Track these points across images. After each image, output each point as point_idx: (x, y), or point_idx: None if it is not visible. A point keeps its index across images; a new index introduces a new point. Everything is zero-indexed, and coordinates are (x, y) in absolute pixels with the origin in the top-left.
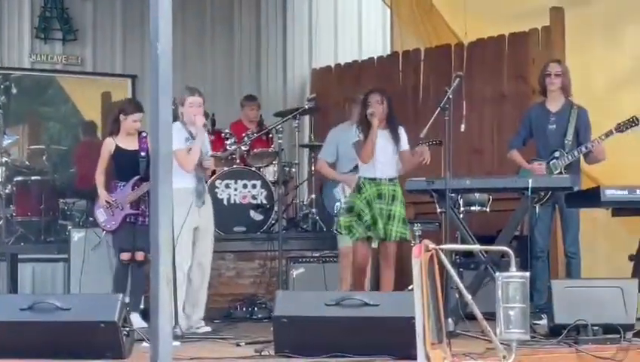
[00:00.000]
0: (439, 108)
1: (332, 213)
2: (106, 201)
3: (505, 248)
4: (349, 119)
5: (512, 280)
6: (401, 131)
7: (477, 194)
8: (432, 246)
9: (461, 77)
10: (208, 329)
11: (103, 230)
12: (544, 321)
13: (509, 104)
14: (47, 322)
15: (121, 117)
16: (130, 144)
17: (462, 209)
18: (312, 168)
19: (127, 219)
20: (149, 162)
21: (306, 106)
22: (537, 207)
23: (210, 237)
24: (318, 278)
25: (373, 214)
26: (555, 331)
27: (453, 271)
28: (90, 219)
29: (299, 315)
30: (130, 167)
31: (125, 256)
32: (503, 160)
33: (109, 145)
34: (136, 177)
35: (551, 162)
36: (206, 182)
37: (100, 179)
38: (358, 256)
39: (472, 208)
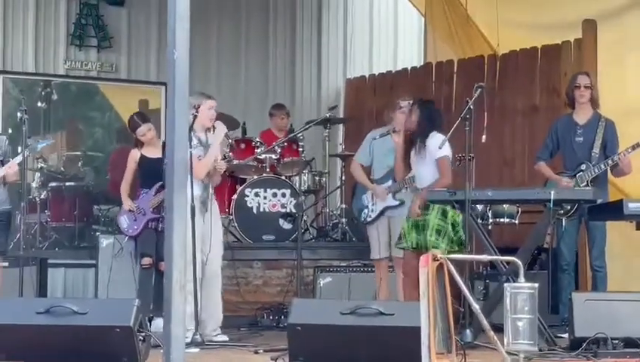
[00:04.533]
0: (460, 119)
1: (358, 219)
2: (130, 207)
3: (512, 258)
4: (388, 124)
5: (521, 291)
6: (433, 140)
7: (505, 206)
8: (440, 255)
9: (482, 87)
10: (225, 338)
11: (126, 236)
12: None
13: (541, 116)
14: (63, 326)
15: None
16: (154, 152)
17: (490, 220)
18: (343, 178)
19: (150, 225)
20: None
21: (327, 115)
22: (564, 220)
23: (218, 244)
24: (346, 288)
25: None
26: (575, 344)
27: (461, 282)
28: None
29: (313, 323)
30: (154, 174)
31: (146, 260)
32: (534, 172)
33: (134, 156)
34: (159, 183)
35: (577, 175)
36: (213, 189)
37: (124, 188)
38: (404, 265)
39: (501, 220)
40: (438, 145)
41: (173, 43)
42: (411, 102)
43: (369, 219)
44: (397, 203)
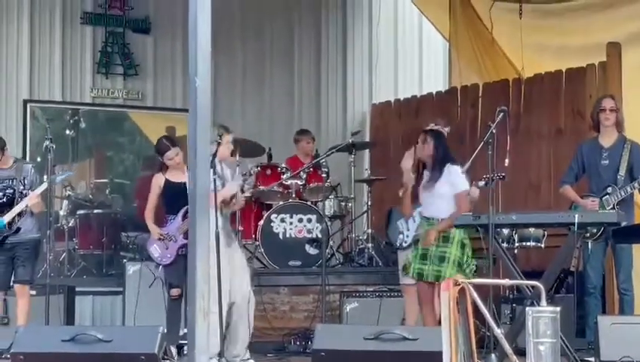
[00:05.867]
0: (482, 143)
1: (395, 246)
2: (159, 235)
3: (535, 283)
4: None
5: (543, 315)
6: (450, 171)
7: (532, 230)
8: (461, 280)
9: (505, 111)
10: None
11: (159, 265)
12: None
13: (566, 140)
14: (88, 354)
15: (160, 157)
16: (179, 176)
17: (516, 244)
18: (369, 203)
19: (180, 251)
20: None
21: (350, 141)
22: (590, 243)
23: (244, 276)
24: (372, 313)
25: (420, 253)
26: None
27: (482, 306)
28: (145, 253)
29: (337, 349)
30: (179, 199)
31: (175, 292)
32: (560, 196)
33: (158, 180)
34: (185, 207)
35: (603, 198)
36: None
37: (149, 214)
38: (418, 292)
39: (527, 244)
40: (458, 178)
41: (195, 71)
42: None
43: (405, 245)
44: None
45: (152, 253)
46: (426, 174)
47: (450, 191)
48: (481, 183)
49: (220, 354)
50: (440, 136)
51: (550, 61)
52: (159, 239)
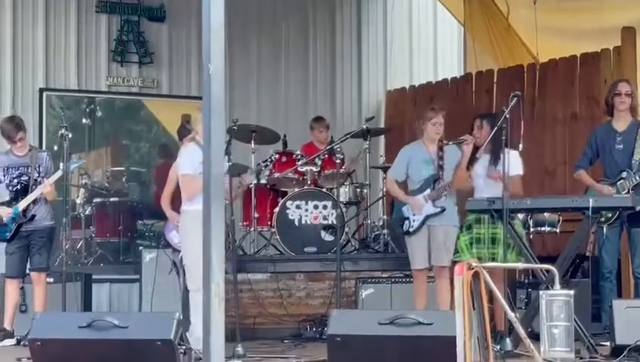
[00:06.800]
0: (496, 128)
1: (402, 231)
2: (178, 222)
3: (548, 266)
4: (419, 137)
5: (556, 298)
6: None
7: (547, 215)
8: (475, 264)
9: (518, 96)
10: None
11: (178, 251)
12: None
13: (581, 125)
14: (104, 340)
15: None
16: None
17: (532, 229)
18: (385, 189)
19: None
20: None
21: (364, 127)
22: (605, 228)
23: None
24: (388, 299)
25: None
26: (616, 351)
27: (496, 290)
28: (162, 240)
29: (352, 334)
30: None
31: None
32: (575, 181)
33: (175, 167)
34: None
35: (618, 182)
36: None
37: (166, 201)
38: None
39: (542, 229)
40: (514, 162)
41: (208, 57)
42: (443, 114)
43: (411, 230)
44: (438, 210)
45: (171, 239)
46: (484, 158)
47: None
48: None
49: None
50: (494, 120)
51: (565, 46)
52: (178, 223)
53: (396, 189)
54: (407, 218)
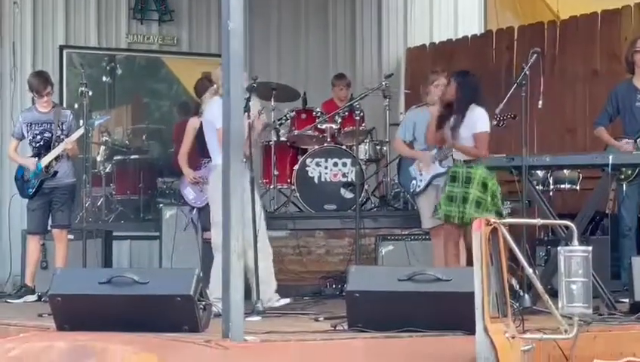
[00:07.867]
0: (515, 84)
1: (408, 192)
2: (194, 178)
3: (567, 222)
4: (424, 98)
5: (575, 255)
6: (472, 113)
7: (567, 172)
8: (493, 220)
9: (538, 53)
10: (286, 300)
11: (193, 207)
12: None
13: (602, 82)
14: (124, 296)
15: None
16: None
17: (552, 187)
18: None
19: None
20: None
21: (384, 84)
22: (624, 185)
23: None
24: (407, 256)
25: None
26: (635, 308)
27: (514, 246)
28: (181, 198)
29: (371, 290)
30: None
31: (208, 234)
32: (596, 138)
33: (193, 124)
34: None
35: (638, 140)
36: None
37: (183, 156)
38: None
39: (562, 186)
40: (477, 119)
41: (227, 13)
42: (445, 75)
43: (418, 190)
44: (444, 170)
45: (186, 195)
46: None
47: (468, 131)
48: (494, 122)
49: (257, 296)
50: (464, 79)
51: (586, 2)
52: (194, 183)
53: (402, 147)
54: (415, 178)
